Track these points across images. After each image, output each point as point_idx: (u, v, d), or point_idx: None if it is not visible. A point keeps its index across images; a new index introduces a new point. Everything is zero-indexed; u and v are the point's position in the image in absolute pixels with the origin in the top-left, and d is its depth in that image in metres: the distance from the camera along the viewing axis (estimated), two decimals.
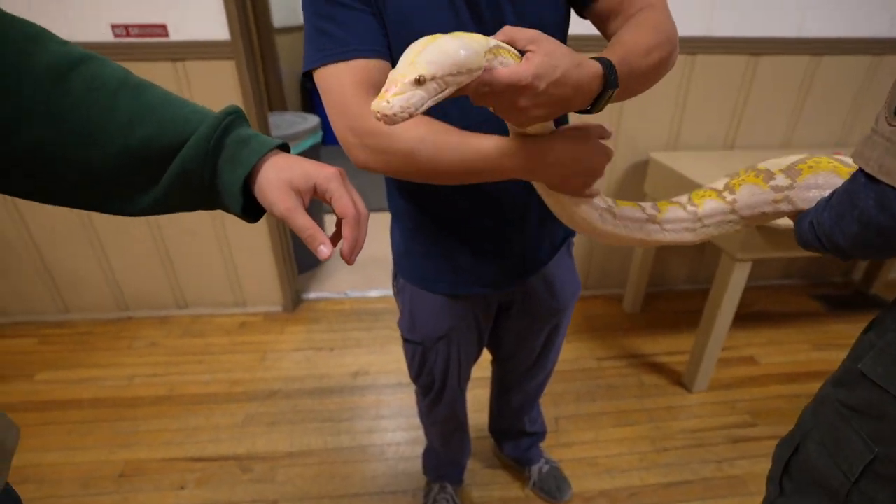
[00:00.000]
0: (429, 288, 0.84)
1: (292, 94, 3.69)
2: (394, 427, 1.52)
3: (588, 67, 0.47)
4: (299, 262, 2.17)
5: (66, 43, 0.42)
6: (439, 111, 0.51)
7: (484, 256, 0.80)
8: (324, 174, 0.43)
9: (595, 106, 0.51)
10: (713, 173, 1.60)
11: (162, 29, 1.52)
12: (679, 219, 0.63)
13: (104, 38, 1.51)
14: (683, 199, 0.64)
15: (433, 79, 0.38)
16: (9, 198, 1.61)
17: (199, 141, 0.42)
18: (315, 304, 2.12)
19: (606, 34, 0.66)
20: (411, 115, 0.38)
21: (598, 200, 0.62)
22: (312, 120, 2.15)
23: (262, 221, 1.86)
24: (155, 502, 1.29)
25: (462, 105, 0.55)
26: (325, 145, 2.23)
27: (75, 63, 0.40)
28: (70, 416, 1.55)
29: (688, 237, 0.63)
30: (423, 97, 0.38)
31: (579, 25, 0.75)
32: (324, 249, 0.41)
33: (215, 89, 1.62)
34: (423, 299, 0.85)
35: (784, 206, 0.58)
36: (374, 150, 0.58)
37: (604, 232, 0.63)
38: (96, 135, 0.40)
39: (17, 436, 0.46)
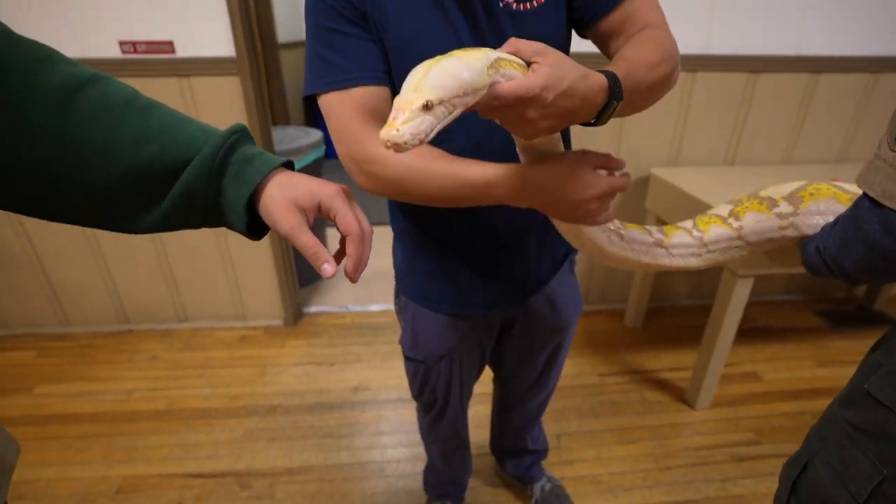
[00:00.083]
0: (431, 307, 0.84)
1: (295, 108, 3.73)
2: (394, 443, 1.51)
3: (594, 79, 0.48)
4: (301, 275, 2.17)
5: (76, 64, 0.42)
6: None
7: (485, 277, 0.80)
8: (328, 192, 0.43)
9: (600, 118, 0.52)
10: (714, 189, 1.61)
11: (169, 46, 1.54)
12: (685, 244, 0.63)
13: (112, 54, 1.53)
14: (688, 224, 0.64)
15: (441, 103, 0.38)
16: None
17: (204, 160, 0.42)
18: (316, 317, 2.12)
19: (608, 53, 0.67)
20: (421, 142, 0.38)
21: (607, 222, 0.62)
22: (315, 134, 2.17)
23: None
24: None
25: (464, 122, 0.56)
26: (329, 159, 2.25)
27: (83, 83, 0.41)
28: (68, 431, 1.54)
29: (693, 262, 0.64)
30: (431, 122, 0.38)
31: (579, 43, 0.76)
32: (327, 268, 0.41)
33: (220, 105, 1.64)
34: (425, 318, 0.85)
35: (790, 233, 0.58)
36: (370, 176, 0.61)
37: (611, 254, 0.63)
38: (102, 154, 0.40)
39: (17, 451, 0.45)
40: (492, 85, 0.42)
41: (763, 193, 0.61)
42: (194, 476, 1.39)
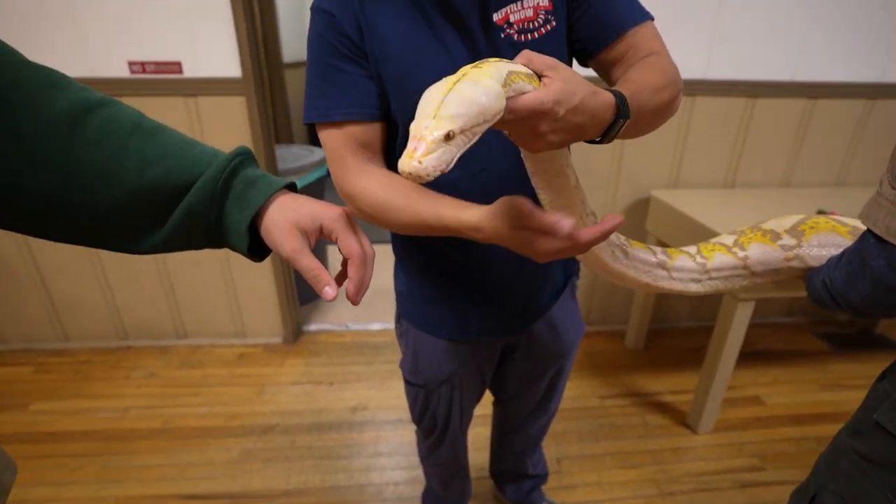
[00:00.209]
0: (432, 332, 0.83)
1: (299, 127, 3.78)
2: (392, 465, 1.49)
3: (603, 97, 0.49)
4: (301, 293, 2.17)
5: (84, 89, 0.43)
6: None
7: (483, 305, 0.80)
8: (330, 215, 0.43)
9: (606, 136, 0.52)
10: (714, 211, 1.62)
11: (177, 66, 1.57)
12: (688, 269, 0.63)
13: (120, 73, 1.56)
14: (692, 249, 0.64)
15: (462, 132, 0.38)
16: None
17: (207, 183, 0.42)
18: (316, 336, 2.11)
19: (610, 81, 0.68)
20: (443, 172, 0.37)
21: (612, 237, 0.61)
22: (318, 153, 2.19)
23: None
24: None
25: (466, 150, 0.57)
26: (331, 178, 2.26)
27: (90, 108, 0.41)
28: (62, 449, 1.52)
29: (693, 288, 0.64)
30: (453, 152, 0.38)
31: (577, 67, 0.78)
32: (328, 291, 0.41)
33: (225, 124, 1.66)
34: (426, 343, 0.85)
35: (795, 264, 0.59)
36: (352, 207, 0.65)
37: (612, 270, 0.63)
38: (106, 178, 0.41)
39: (15, 472, 0.45)
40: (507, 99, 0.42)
41: (766, 226, 0.62)
42: (189, 498, 1.37)
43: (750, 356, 1.95)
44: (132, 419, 1.64)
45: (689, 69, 1.70)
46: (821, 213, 1.48)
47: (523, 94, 0.43)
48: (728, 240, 0.64)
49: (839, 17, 1.69)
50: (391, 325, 2.14)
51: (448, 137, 0.37)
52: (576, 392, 1.78)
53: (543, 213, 0.48)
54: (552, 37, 0.65)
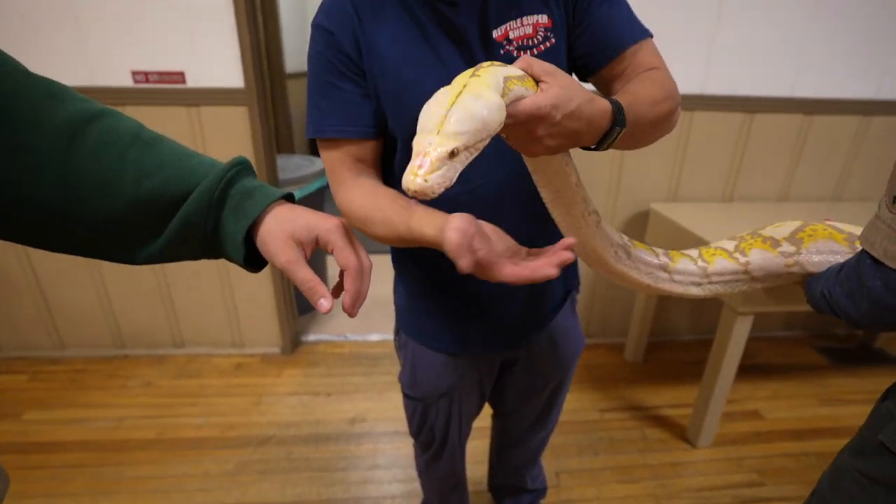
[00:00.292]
0: (431, 346, 0.83)
1: (300, 137, 3.79)
2: (389, 478, 1.47)
3: (600, 104, 0.50)
4: (300, 303, 2.16)
5: (84, 100, 0.43)
6: None
7: (484, 319, 0.80)
8: (326, 226, 0.43)
9: (602, 143, 0.53)
10: (713, 225, 1.62)
11: (180, 76, 1.58)
12: (689, 272, 0.64)
13: (124, 83, 1.57)
14: (694, 253, 0.65)
15: (465, 148, 0.38)
16: None
17: (203, 193, 0.42)
18: (314, 346, 2.10)
19: (610, 94, 0.69)
20: (446, 188, 0.38)
21: (615, 236, 0.62)
22: (319, 164, 2.19)
23: None
24: None
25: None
26: None
27: (89, 119, 0.41)
28: (55, 460, 1.50)
29: (693, 291, 0.64)
30: (457, 168, 0.39)
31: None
32: (324, 303, 0.40)
33: (226, 134, 1.67)
34: (424, 356, 0.84)
35: (795, 270, 0.60)
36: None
37: (614, 269, 0.63)
38: (105, 189, 0.41)
39: (7, 482, 0.44)
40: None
41: (765, 233, 0.62)
42: None
43: (749, 370, 1.94)
44: (127, 429, 1.62)
45: (688, 84, 1.72)
46: None
47: (521, 98, 0.44)
48: (729, 245, 0.64)
49: (835, 34, 1.72)
50: (390, 336, 2.13)
51: (452, 155, 0.37)
52: (575, 405, 1.77)
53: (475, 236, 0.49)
54: (551, 54, 0.66)
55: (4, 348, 1.94)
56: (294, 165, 2.16)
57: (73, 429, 1.62)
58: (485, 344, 0.83)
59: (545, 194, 0.60)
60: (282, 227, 0.42)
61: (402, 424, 1.60)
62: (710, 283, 0.64)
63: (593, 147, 0.53)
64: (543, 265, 0.46)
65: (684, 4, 1.62)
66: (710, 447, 1.62)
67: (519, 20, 0.64)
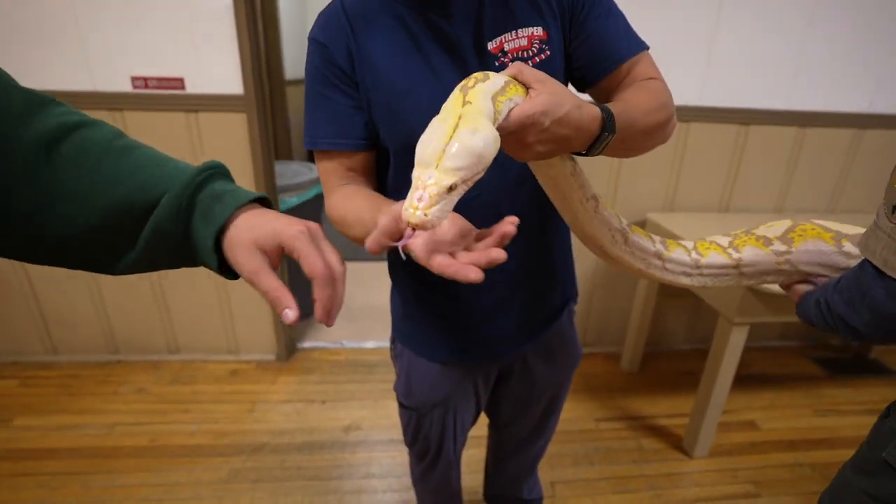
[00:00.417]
0: (426, 355, 0.83)
1: (299, 143, 3.80)
2: (384, 487, 1.46)
3: (588, 110, 0.50)
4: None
5: (67, 112, 0.42)
6: None
7: (479, 328, 0.80)
8: (289, 232, 0.40)
9: (592, 149, 0.53)
10: (709, 235, 1.63)
11: (179, 82, 1.58)
12: (682, 261, 0.65)
13: (123, 88, 1.57)
14: (689, 244, 0.67)
15: (464, 181, 0.40)
16: None
17: (172, 199, 0.41)
18: (309, 353, 2.08)
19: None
20: (442, 220, 0.40)
21: (613, 220, 0.63)
22: (317, 170, 2.19)
23: None
24: None
25: None
26: None
27: (69, 129, 0.41)
28: (44, 467, 1.48)
29: (683, 280, 0.66)
30: (455, 200, 0.40)
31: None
32: (288, 314, 0.39)
33: (225, 140, 1.67)
34: (420, 365, 0.84)
35: (786, 268, 0.61)
36: None
37: (610, 253, 0.64)
38: (81, 199, 0.40)
39: None
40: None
41: (758, 232, 0.64)
42: None
43: (745, 380, 1.95)
44: (118, 436, 1.60)
45: (685, 96, 1.74)
46: None
47: (512, 108, 0.45)
48: (723, 241, 0.66)
49: (829, 48, 1.74)
50: (386, 343, 2.12)
51: (451, 189, 0.39)
52: (571, 414, 1.77)
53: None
54: (546, 66, 0.66)
55: None
56: (292, 172, 2.17)
57: (64, 435, 1.60)
58: (480, 354, 0.82)
59: (542, 182, 0.61)
60: (247, 235, 0.41)
61: (398, 433, 1.59)
62: (700, 274, 0.66)
63: (584, 152, 0.54)
64: (466, 268, 0.43)
65: (682, 18, 1.65)
66: (705, 457, 1.61)
67: (514, 32, 0.64)
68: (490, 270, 0.74)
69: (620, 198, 1.88)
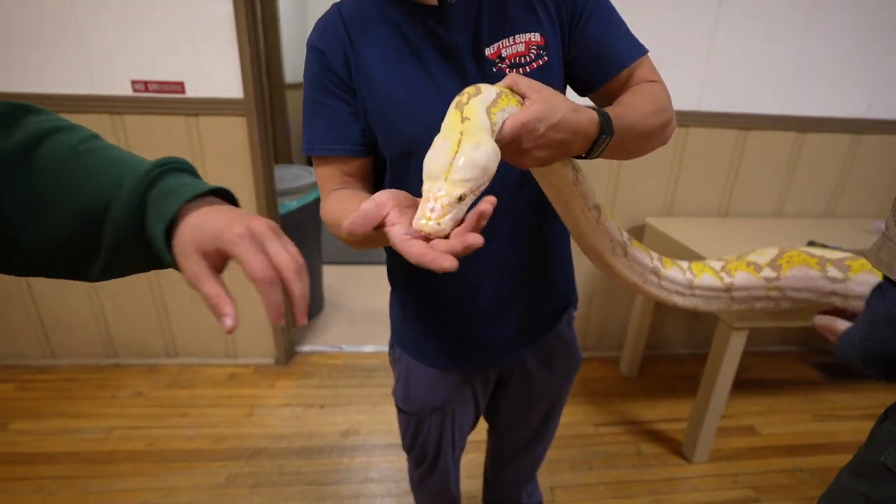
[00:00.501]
0: (425, 361, 0.83)
1: (299, 147, 3.81)
2: (383, 492, 1.45)
3: (585, 114, 0.51)
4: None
5: (44, 119, 0.42)
6: None
7: (479, 333, 0.80)
8: (227, 237, 0.37)
9: (591, 152, 0.55)
10: (708, 239, 1.64)
11: (179, 86, 1.59)
12: (676, 281, 0.66)
13: (124, 92, 1.57)
14: (684, 265, 0.68)
15: (471, 192, 0.43)
16: None
17: (125, 199, 0.39)
18: (308, 357, 2.08)
19: None
20: (455, 227, 0.42)
21: (615, 232, 0.64)
22: (315, 175, 2.20)
23: None
24: None
25: None
26: None
27: (44, 136, 0.40)
28: (41, 471, 1.47)
29: (676, 300, 0.67)
30: (464, 209, 0.43)
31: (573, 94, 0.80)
32: (227, 321, 0.37)
33: (225, 144, 1.67)
34: (419, 371, 0.84)
35: (774, 294, 0.62)
36: None
37: (609, 264, 0.65)
38: (49, 205, 0.39)
39: None
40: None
41: (749, 258, 0.65)
42: None
43: (744, 385, 1.95)
44: (116, 440, 1.60)
45: (683, 101, 1.75)
46: (811, 244, 1.50)
47: (506, 119, 0.47)
48: (717, 265, 0.67)
49: (827, 53, 1.75)
50: (384, 347, 2.12)
51: (460, 199, 0.42)
52: (570, 419, 1.76)
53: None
54: (543, 71, 0.66)
55: None
56: (292, 176, 2.17)
57: (61, 439, 1.59)
58: (479, 360, 0.82)
59: (545, 190, 0.62)
60: (191, 237, 0.38)
61: (396, 437, 1.59)
62: (692, 295, 0.67)
63: (584, 155, 0.55)
64: (440, 258, 0.41)
65: (681, 24, 1.65)
66: (705, 462, 1.61)
67: (511, 38, 0.65)
68: (489, 275, 0.75)
69: (619, 202, 1.89)
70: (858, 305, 0.57)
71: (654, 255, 0.67)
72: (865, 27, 1.73)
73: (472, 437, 1.04)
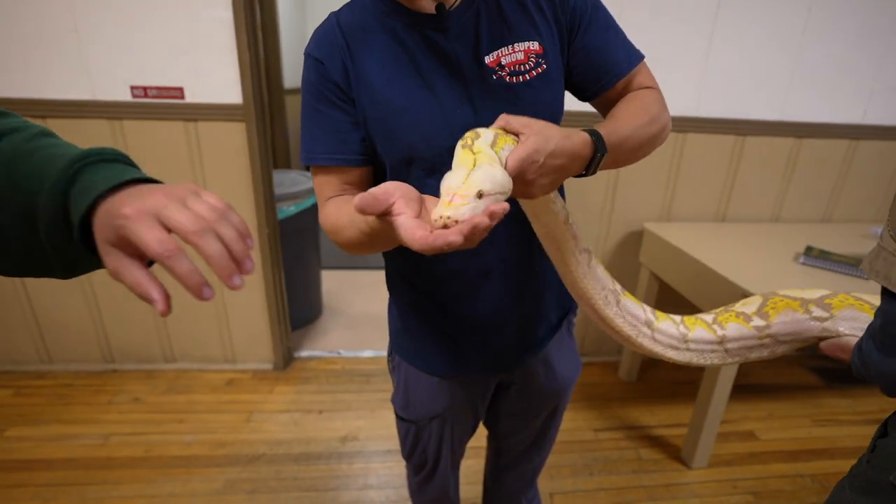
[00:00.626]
0: (424, 368, 0.82)
1: (297, 152, 3.81)
2: (382, 499, 1.44)
3: (577, 137, 0.54)
4: (293, 318, 2.15)
5: (8, 123, 0.42)
6: None
7: (478, 341, 0.79)
8: (116, 223, 0.34)
9: (589, 170, 0.58)
10: (706, 244, 1.64)
11: (179, 91, 1.59)
12: (670, 334, 0.65)
13: (123, 97, 1.58)
14: (677, 318, 0.67)
15: (489, 195, 0.43)
16: None
17: (46, 202, 0.38)
18: (307, 362, 2.07)
19: (605, 116, 0.71)
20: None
21: (607, 280, 0.63)
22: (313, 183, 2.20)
23: (258, 274, 1.85)
24: None
25: None
26: None
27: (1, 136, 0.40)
28: (38, 478, 1.46)
29: (670, 354, 0.66)
30: (482, 207, 0.43)
31: (574, 100, 0.80)
32: (158, 306, 0.34)
33: (224, 149, 1.67)
34: (418, 378, 0.83)
35: (767, 342, 0.62)
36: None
37: (601, 313, 0.64)
38: (3, 206, 0.39)
39: None
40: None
41: (737, 308, 0.66)
42: None
43: (743, 390, 1.94)
44: (113, 447, 1.59)
45: (681, 106, 1.76)
46: (809, 249, 1.48)
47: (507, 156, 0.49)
48: (708, 317, 0.67)
49: (823, 60, 1.76)
50: (383, 352, 2.11)
51: (480, 195, 0.42)
52: (570, 424, 1.76)
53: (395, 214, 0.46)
54: (543, 79, 0.67)
55: None
56: (291, 181, 2.17)
57: (58, 446, 1.58)
58: (478, 367, 0.82)
59: (538, 231, 0.63)
60: (98, 231, 0.36)
61: (395, 443, 1.58)
62: (687, 349, 0.66)
63: (583, 173, 0.58)
64: (444, 233, 0.40)
65: (678, 30, 1.67)
66: (704, 468, 1.60)
67: (511, 46, 0.65)
68: (489, 282, 0.75)
69: (617, 208, 1.89)
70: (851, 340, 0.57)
71: (647, 307, 0.67)
72: (861, 34, 1.75)
73: (471, 443, 1.04)
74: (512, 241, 0.73)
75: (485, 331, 0.79)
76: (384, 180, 0.71)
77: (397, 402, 0.88)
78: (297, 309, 2.19)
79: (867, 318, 0.55)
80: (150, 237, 0.33)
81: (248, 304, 1.91)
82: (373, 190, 0.44)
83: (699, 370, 1.58)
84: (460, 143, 0.50)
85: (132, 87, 1.57)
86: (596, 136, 0.56)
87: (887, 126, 1.89)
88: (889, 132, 1.90)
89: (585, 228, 1.93)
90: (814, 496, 1.52)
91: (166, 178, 0.40)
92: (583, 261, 0.63)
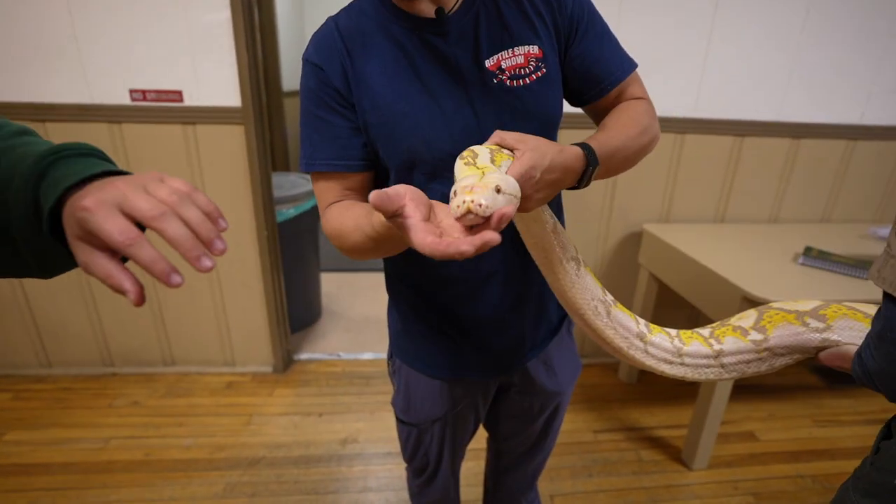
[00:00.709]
0: (425, 371, 0.82)
1: (296, 155, 3.81)
2: (381, 501, 1.44)
3: (570, 152, 0.55)
4: (293, 320, 2.15)
5: None
6: None
7: (479, 343, 0.79)
8: (78, 216, 0.34)
9: (581, 182, 0.59)
10: (706, 245, 1.64)
11: (177, 95, 1.59)
12: (663, 347, 0.64)
13: (122, 101, 1.58)
14: (672, 332, 0.66)
15: (504, 192, 0.43)
16: None
17: (15, 202, 0.38)
18: (306, 364, 2.07)
19: (598, 123, 0.72)
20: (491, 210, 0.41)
21: (597, 290, 0.63)
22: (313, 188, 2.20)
23: (257, 278, 1.85)
24: None
25: None
26: None
27: None
28: (37, 483, 1.46)
29: (664, 368, 0.65)
30: (500, 202, 0.42)
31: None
32: (130, 296, 0.34)
33: (222, 152, 1.67)
34: (419, 381, 0.83)
35: (765, 356, 0.62)
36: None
37: (591, 323, 0.63)
38: None
39: None
40: None
41: (734, 322, 0.65)
42: None
43: (743, 390, 1.94)
44: (113, 450, 1.59)
45: (680, 107, 1.76)
46: (808, 249, 1.48)
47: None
48: (705, 331, 0.66)
49: (821, 61, 1.77)
50: (383, 354, 2.11)
51: (497, 190, 0.42)
52: (570, 426, 1.76)
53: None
54: (543, 82, 0.67)
55: None
56: (290, 183, 2.17)
57: (57, 450, 1.58)
58: (479, 369, 0.82)
59: (526, 242, 0.63)
60: (67, 226, 0.35)
61: (395, 445, 1.58)
62: (681, 363, 0.65)
63: (576, 185, 0.59)
64: (456, 242, 0.40)
65: (677, 32, 1.67)
66: (705, 469, 1.60)
67: (511, 50, 0.65)
68: (489, 284, 0.75)
69: (617, 209, 1.89)
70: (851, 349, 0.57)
71: (641, 320, 0.67)
72: (859, 36, 1.75)
73: (471, 445, 1.04)
74: (513, 245, 0.73)
75: (485, 333, 0.79)
76: (385, 185, 0.71)
77: (398, 406, 0.88)
78: (297, 311, 2.19)
79: (862, 326, 0.54)
80: (110, 227, 0.32)
81: (248, 307, 1.90)
82: (386, 189, 0.44)
83: None
84: (461, 160, 0.49)
85: (131, 91, 1.57)
86: (588, 150, 0.58)
87: (885, 126, 1.89)
88: (887, 133, 1.91)
89: (585, 230, 1.93)
90: (815, 497, 1.52)
91: None
92: (570, 270, 0.62)
